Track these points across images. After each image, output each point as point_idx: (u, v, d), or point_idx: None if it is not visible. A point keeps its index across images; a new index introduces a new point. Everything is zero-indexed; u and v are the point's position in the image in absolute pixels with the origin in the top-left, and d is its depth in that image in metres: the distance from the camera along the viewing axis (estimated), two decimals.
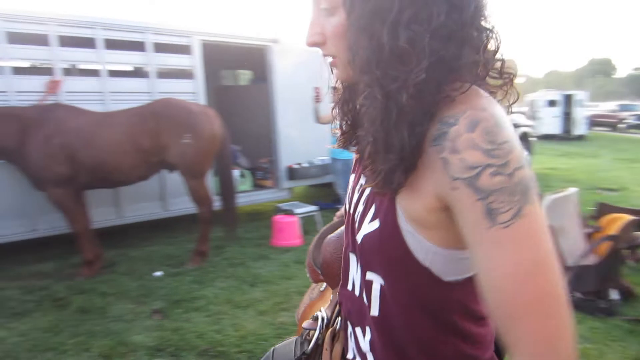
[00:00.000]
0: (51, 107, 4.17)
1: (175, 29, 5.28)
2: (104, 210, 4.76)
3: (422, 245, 0.67)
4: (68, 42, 4.58)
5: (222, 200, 4.67)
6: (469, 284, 0.69)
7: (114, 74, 5.00)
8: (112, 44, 4.80)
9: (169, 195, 5.18)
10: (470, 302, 0.71)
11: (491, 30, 0.67)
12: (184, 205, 5.11)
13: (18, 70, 4.52)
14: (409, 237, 0.68)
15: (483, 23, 0.66)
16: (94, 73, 4.89)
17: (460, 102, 0.61)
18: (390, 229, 0.69)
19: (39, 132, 3.93)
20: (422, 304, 0.71)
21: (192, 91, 5.33)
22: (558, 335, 0.57)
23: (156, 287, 3.81)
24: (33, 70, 5.05)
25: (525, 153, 0.63)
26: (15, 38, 4.31)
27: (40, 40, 4.44)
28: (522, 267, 0.57)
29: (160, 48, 5.11)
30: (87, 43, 4.69)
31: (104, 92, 4.77)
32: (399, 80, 0.62)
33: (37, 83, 4.44)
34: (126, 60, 5.15)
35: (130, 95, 4.88)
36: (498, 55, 0.68)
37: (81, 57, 4.83)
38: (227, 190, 4.66)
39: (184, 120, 4.19)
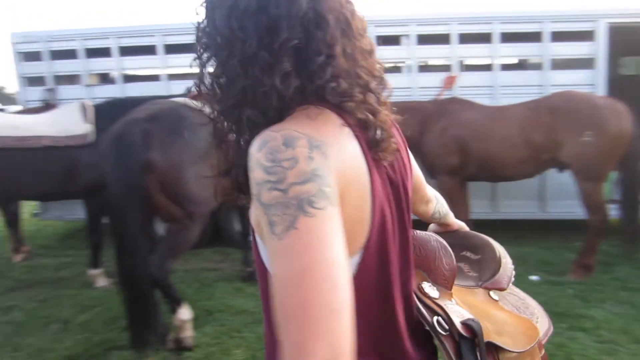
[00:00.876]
0: (447, 101, 4.49)
1: (578, 14, 4.77)
2: (480, 203, 4.84)
3: (264, 254, 0.75)
4: (466, 39, 4.81)
5: (622, 210, 3.96)
6: None
7: (505, 67, 4.97)
8: (507, 37, 4.77)
9: (549, 196, 4.81)
10: None
11: (322, 54, 0.69)
12: (565, 209, 4.65)
13: (422, 68, 5.07)
14: (259, 245, 0.77)
15: (316, 46, 0.69)
16: (486, 67, 4.98)
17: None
18: (254, 239, 0.79)
19: (436, 124, 4.28)
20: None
21: (589, 83, 4.72)
22: (310, 347, 0.55)
23: (533, 292, 3.55)
24: (433, 68, 5.55)
25: None
26: (423, 39, 4.83)
27: (443, 39, 4.83)
28: (287, 276, 0.58)
29: (558, 36, 4.72)
30: (483, 38, 4.81)
31: (494, 86, 4.80)
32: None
33: (435, 79, 4.88)
34: (519, 52, 5.04)
35: (519, 88, 4.73)
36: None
37: (475, 53, 5.00)
38: (631, 198, 3.91)
39: (587, 115, 3.73)
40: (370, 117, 0.74)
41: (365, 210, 0.71)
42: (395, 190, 0.79)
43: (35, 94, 5.24)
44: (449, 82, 4.80)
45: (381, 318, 0.78)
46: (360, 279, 0.71)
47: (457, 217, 4.37)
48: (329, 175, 0.62)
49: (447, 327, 0.84)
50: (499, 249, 1.17)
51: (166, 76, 5.19)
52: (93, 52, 5.27)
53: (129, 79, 5.52)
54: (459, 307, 0.89)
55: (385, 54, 4.90)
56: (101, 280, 4.08)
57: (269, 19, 0.67)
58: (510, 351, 0.87)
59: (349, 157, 0.69)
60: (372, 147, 0.74)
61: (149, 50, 5.15)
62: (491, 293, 1.05)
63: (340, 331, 0.56)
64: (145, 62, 5.41)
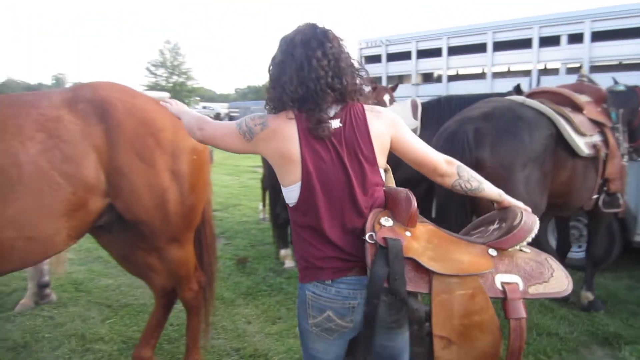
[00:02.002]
0: None
1: None
2: None
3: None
4: None
5: None
6: (292, 211, 1.45)
7: None
8: None
9: None
10: (297, 225, 1.45)
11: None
12: None
13: None
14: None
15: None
16: None
17: None
18: None
19: None
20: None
21: None
22: (200, 123, 1.65)
23: None
24: None
25: None
26: None
27: None
28: (220, 123, 1.70)
29: None
30: None
31: None
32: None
33: None
34: None
35: None
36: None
37: None
38: None
39: None
40: (315, 115, 1.36)
41: (295, 162, 1.37)
42: (338, 154, 1.38)
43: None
44: None
45: (314, 233, 1.41)
46: (304, 200, 1.39)
47: None
48: (255, 133, 1.43)
49: (375, 239, 1.33)
50: (524, 221, 1.38)
51: (491, 74, 5.07)
52: (423, 53, 5.63)
53: (452, 77, 5.65)
54: (401, 234, 1.34)
55: None
56: None
57: (282, 67, 1.40)
58: (440, 274, 1.30)
59: (281, 133, 1.39)
60: (309, 131, 1.37)
61: (477, 48, 5.12)
62: (490, 250, 1.37)
63: (213, 131, 1.55)
64: (471, 61, 5.40)
